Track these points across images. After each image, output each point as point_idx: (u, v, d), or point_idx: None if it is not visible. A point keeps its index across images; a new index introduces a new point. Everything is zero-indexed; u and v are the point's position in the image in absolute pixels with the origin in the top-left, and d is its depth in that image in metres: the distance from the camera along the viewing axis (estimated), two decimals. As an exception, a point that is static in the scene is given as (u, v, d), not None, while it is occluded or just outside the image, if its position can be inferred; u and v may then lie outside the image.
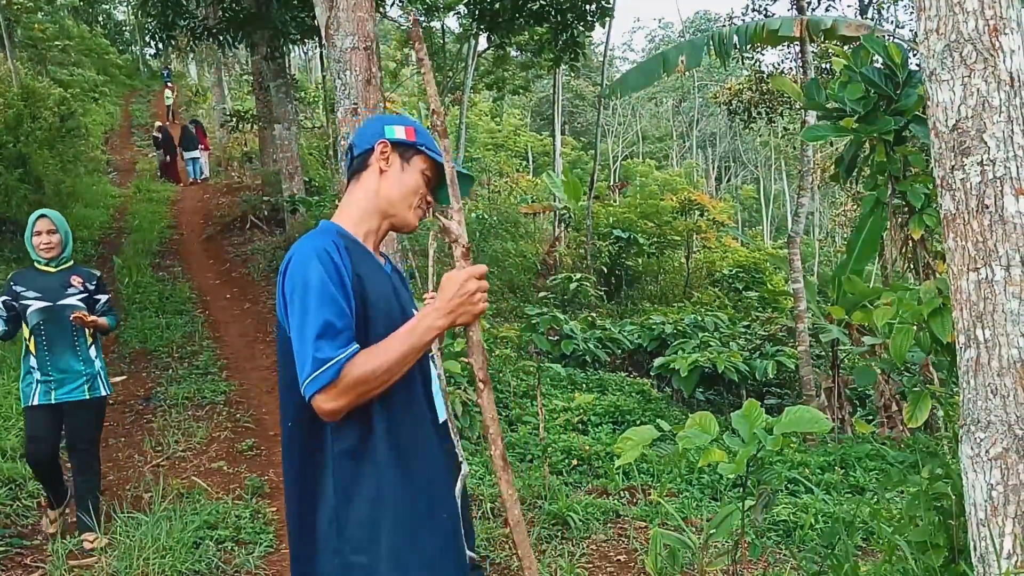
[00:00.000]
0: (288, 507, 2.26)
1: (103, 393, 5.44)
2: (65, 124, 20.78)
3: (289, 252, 2.18)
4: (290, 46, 18.61)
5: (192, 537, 5.10)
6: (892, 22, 18.65)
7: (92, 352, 5.43)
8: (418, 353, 2.09)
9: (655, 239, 22.31)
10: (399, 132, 2.32)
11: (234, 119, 20.72)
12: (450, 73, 22.06)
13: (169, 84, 33.60)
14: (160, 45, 17.59)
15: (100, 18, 42.10)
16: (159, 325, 11.30)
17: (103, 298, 5.56)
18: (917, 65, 4.30)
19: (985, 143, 2.72)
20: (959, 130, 2.76)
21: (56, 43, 33.33)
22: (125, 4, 40.45)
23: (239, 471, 6.74)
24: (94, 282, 5.53)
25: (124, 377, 9.46)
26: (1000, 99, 2.71)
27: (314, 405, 2.03)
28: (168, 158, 24.20)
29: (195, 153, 23.80)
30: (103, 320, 5.45)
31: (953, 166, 2.78)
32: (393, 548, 2.12)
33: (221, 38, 15.70)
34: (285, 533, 5.59)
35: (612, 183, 37.49)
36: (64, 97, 22.10)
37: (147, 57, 43.48)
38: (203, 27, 15.85)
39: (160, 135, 24.49)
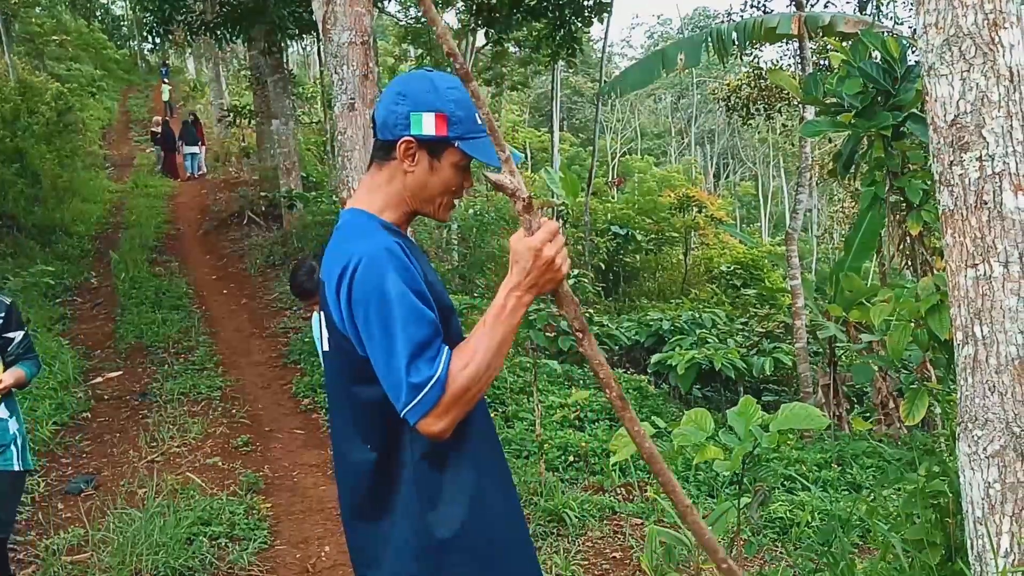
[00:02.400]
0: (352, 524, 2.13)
1: (16, 467, 4.03)
2: (62, 119, 20.80)
3: (346, 254, 1.92)
4: (288, 41, 18.56)
5: (186, 533, 5.09)
6: (891, 18, 18.61)
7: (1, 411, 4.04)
8: (512, 335, 1.90)
9: (653, 236, 22.33)
10: (428, 125, 1.98)
11: (231, 114, 20.67)
12: (448, 69, 21.97)
13: (165, 80, 33.58)
14: (158, 40, 17.58)
15: (98, 13, 41.98)
16: (155, 320, 11.26)
17: (16, 336, 4.13)
18: (916, 60, 4.29)
19: (984, 138, 2.70)
20: (958, 125, 2.73)
21: (54, 38, 33.30)
22: (123, -1, 40.40)
23: (234, 467, 6.72)
24: (2, 315, 4.10)
25: (119, 373, 9.44)
26: (999, 94, 2.68)
27: (422, 431, 1.85)
28: (165, 154, 24.16)
29: (194, 148, 23.78)
30: (13, 376, 4.05)
31: (951, 161, 2.76)
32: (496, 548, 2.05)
33: (219, 33, 15.66)
34: (280, 529, 5.61)
35: (610, 179, 37.47)
36: (61, 92, 22.13)
37: (145, 52, 43.42)
38: (201, 22, 15.81)
39: (160, 130, 24.46)
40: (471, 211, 18.07)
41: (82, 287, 13.67)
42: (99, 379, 9.23)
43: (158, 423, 7.64)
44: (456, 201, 2.13)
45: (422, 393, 1.81)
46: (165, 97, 31.22)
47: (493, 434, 2.21)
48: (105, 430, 7.71)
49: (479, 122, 2.00)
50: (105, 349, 10.43)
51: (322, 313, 2.05)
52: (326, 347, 2.09)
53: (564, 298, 1.93)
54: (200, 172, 23.90)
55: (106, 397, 8.63)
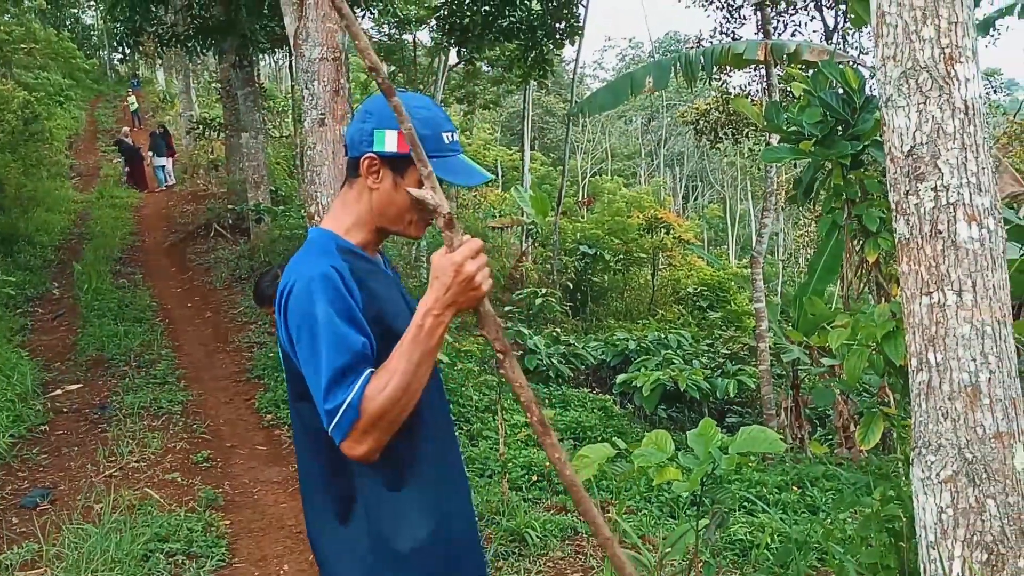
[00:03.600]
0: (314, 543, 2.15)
1: None
2: (29, 128, 20.58)
3: (286, 277, 1.97)
4: (259, 55, 18.53)
5: (142, 550, 5.03)
6: (857, 48, 18.89)
7: None
8: (433, 355, 1.90)
9: (621, 256, 22.45)
10: (391, 142, 1.99)
11: (201, 126, 20.56)
12: (421, 87, 22.03)
13: (131, 90, 33.40)
14: (128, 50, 17.46)
15: (68, 22, 41.75)
16: (117, 333, 11.15)
17: None
18: (874, 91, 4.36)
19: (939, 169, 2.75)
20: (914, 156, 2.78)
21: (22, 46, 32.94)
22: (93, 8, 40.11)
23: (193, 483, 6.65)
24: None
25: (79, 385, 9.33)
26: (954, 126, 2.74)
27: (347, 454, 1.87)
28: (128, 169, 23.93)
29: (163, 159, 23.63)
30: None
31: (908, 191, 2.81)
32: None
33: (189, 45, 15.60)
34: (238, 546, 5.56)
35: (580, 199, 37.66)
36: (28, 100, 21.88)
37: (114, 62, 43.14)
38: (171, 33, 15.75)
39: (121, 144, 24.30)
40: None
41: (44, 298, 13.51)
42: (58, 391, 9.11)
43: (117, 437, 7.55)
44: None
45: (336, 417, 1.83)
46: (133, 107, 31.02)
47: (453, 451, 2.22)
48: (63, 443, 7.60)
49: (446, 141, 2.02)
50: (65, 361, 10.31)
51: None
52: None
53: (485, 317, 1.91)
54: (169, 183, 23.75)
55: (65, 410, 8.52)
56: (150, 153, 23.88)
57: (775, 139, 9.14)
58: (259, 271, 14.35)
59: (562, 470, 1.94)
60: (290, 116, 24.22)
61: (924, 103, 2.76)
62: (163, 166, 23.65)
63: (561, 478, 1.96)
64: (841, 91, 4.16)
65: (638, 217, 25.70)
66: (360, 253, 2.07)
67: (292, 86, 22.52)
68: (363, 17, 19.88)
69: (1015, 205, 6.09)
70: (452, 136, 2.06)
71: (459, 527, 2.15)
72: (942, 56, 2.73)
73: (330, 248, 2.02)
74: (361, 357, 1.87)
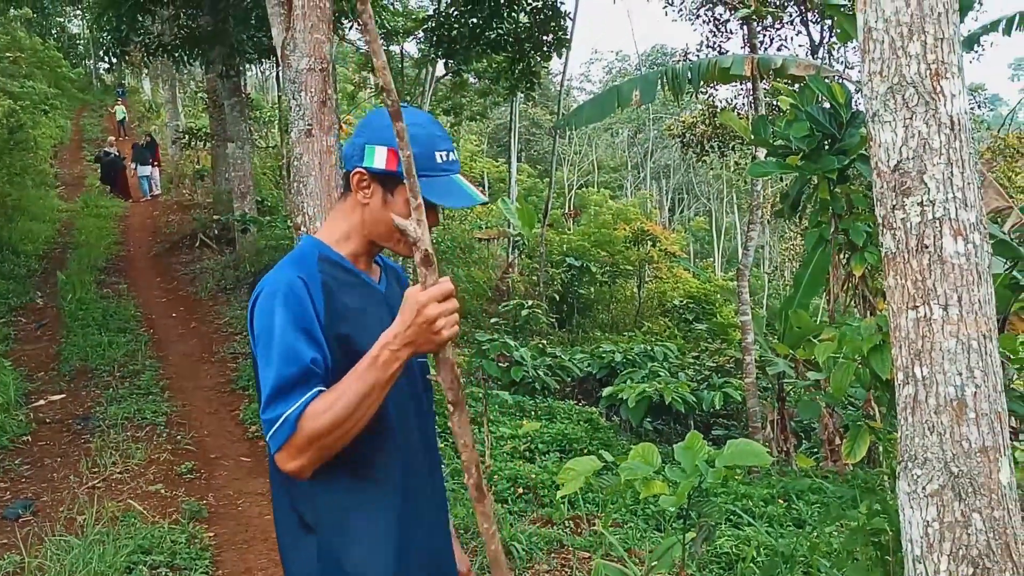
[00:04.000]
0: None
1: None
2: (13, 136, 20.51)
3: (259, 284, 1.97)
4: (246, 65, 18.51)
5: (125, 562, 4.99)
6: (842, 63, 19.01)
7: None
8: (383, 388, 1.84)
9: (608, 268, 22.49)
10: (380, 159, 1.97)
11: (187, 136, 20.53)
12: (408, 98, 22.05)
13: (119, 100, 33.31)
14: (114, 60, 17.42)
15: (54, 31, 41.56)
16: (101, 343, 11.08)
17: None
18: (861, 106, 4.38)
19: (925, 184, 2.76)
20: (900, 171, 2.80)
21: (7, 54, 32.82)
22: (79, 18, 40.01)
23: (177, 495, 6.61)
24: None
25: (62, 396, 9.26)
26: (940, 141, 2.75)
27: (279, 466, 1.85)
28: (107, 184, 23.78)
29: (147, 169, 23.54)
30: None
31: (894, 206, 2.82)
32: None
33: (176, 55, 15.59)
34: (222, 559, 5.52)
35: (567, 211, 37.70)
36: (13, 109, 21.82)
37: (100, 71, 43.01)
38: (158, 43, 15.74)
39: (112, 151, 24.19)
40: (427, 239, 18.00)
41: (27, 307, 13.42)
42: (41, 402, 9.05)
43: (100, 448, 7.50)
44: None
45: (273, 428, 1.82)
46: (120, 117, 30.93)
47: (429, 483, 2.17)
48: (46, 454, 7.55)
49: (439, 161, 2.00)
50: (48, 371, 10.24)
51: None
52: None
53: (442, 363, 1.85)
54: (154, 193, 23.67)
55: (48, 420, 8.46)
56: (132, 164, 23.80)
57: (762, 153, 9.18)
58: (244, 286, 14.33)
59: (488, 542, 1.89)
60: (276, 127, 24.20)
61: (910, 118, 2.77)
62: (147, 176, 23.56)
63: (487, 550, 1.90)
64: (828, 106, 4.18)
65: (624, 229, 25.76)
66: (344, 265, 2.05)
67: (279, 96, 22.49)
68: (350, 28, 19.91)
69: (999, 220, 6.13)
70: (447, 155, 2.03)
71: (417, 562, 2.09)
72: (928, 72, 2.75)
73: (310, 257, 2.01)
74: (309, 372, 1.85)
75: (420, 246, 1.78)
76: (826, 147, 4.15)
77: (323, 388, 1.85)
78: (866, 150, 3.24)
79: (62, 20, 42.55)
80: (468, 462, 1.86)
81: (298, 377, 1.83)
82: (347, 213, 2.07)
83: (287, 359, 1.84)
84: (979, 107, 26.32)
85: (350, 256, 2.06)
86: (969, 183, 2.77)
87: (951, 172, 2.75)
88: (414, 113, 2.03)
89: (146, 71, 34.55)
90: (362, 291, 2.05)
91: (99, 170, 24.34)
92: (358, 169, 2.00)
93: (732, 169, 34.48)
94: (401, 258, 2.24)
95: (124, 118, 31.32)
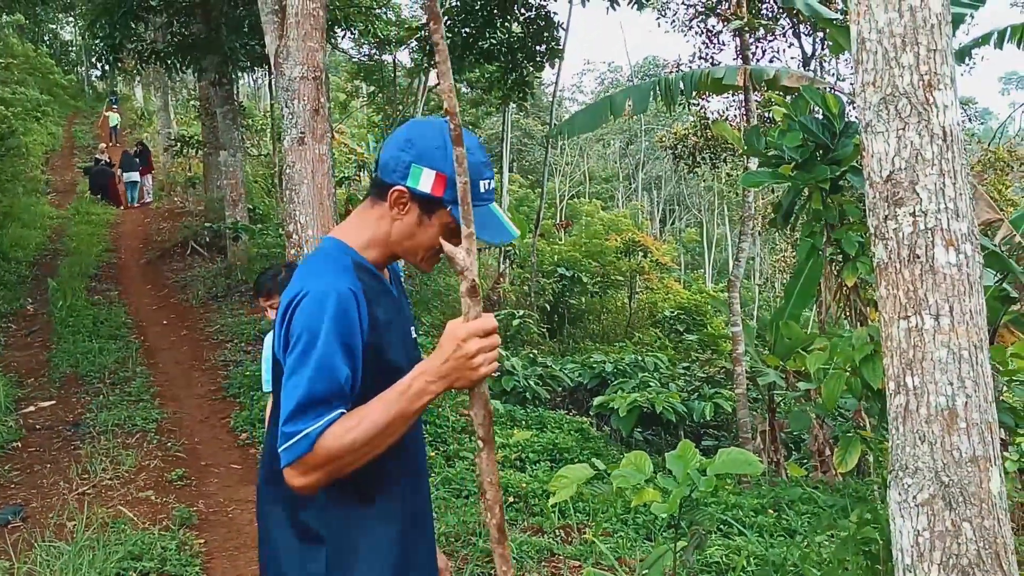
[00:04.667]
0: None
1: None
2: (5, 143, 20.48)
3: (300, 283, 1.90)
4: (239, 73, 18.52)
5: (115, 568, 4.97)
6: (834, 75, 19.11)
7: None
8: (408, 420, 1.82)
9: (599, 278, 22.52)
10: (426, 182, 1.92)
11: (179, 144, 20.52)
12: (400, 107, 22.08)
13: (112, 106, 33.25)
14: (107, 67, 17.41)
15: (46, 37, 41.53)
16: (92, 350, 11.05)
17: None
18: (854, 117, 4.41)
19: (917, 195, 2.78)
20: (893, 181, 2.82)
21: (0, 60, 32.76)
22: (72, 24, 39.96)
23: (167, 501, 6.59)
24: None
25: (52, 402, 9.23)
26: (933, 152, 2.77)
27: (285, 479, 1.81)
28: (99, 195, 23.68)
29: (135, 176, 23.50)
30: None
31: (886, 216, 2.84)
32: None
33: (169, 62, 15.58)
34: (212, 566, 5.50)
35: (558, 221, 37.71)
36: (5, 116, 21.77)
37: (93, 78, 42.95)
38: (151, 50, 15.74)
39: (103, 158, 24.15)
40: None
41: (18, 314, 13.39)
42: (31, 408, 9.02)
43: (90, 454, 7.48)
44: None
45: (289, 442, 1.78)
46: (112, 123, 30.88)
47: (420, 500, 2.16)
48: (36, 460, 7.52)
49: (481, 190, 1.96)
50: (39, 377, 10.21)
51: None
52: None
53: (477, 399, 1.81)
54: (146, 200, 23.62)
55: (38, 427, 8.43)
56: (119, 170, 23.77)
57: (754, 164, 9.22)
58: (235, 294, 14.31)
59: None
60: (269, 135, 24.20)
61: (903, 129, 2.79)
62: (134, 182, 23.52)
63: None
64: (821, 116, 4.21)
65: (616, 240, 25.81)
66: (373, 271, 2.02)
67: (271, 105, 22.53)
68: (343, 37, 19.94)
69: (990, 232, 6.17)
70: (489, 184, 2.00)
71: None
72: (921, 83, 2.77)
73: (347, 263, 1.96)
74: (339, 392, 1.81)
75: (468, 276, 1.75)
76: (819, 157, 4.17)
77: (345, 410, 1.81)
78: (859, 161, 3.26)
79: (55, 27, 42.51)
80: (493, 502, 1.81)
81: (327, 395, 1.80)
82: (374, 221, 2.02)
83: (322, 374, 1.80)
84: (970, 120, 26.47)
85: (373, 262, 2.03)
86: (961, 194, 2.79)
87: (943, 183, 2.77)
88: (464, 136, 1.95)
89: (138, 78, 34.52)
90: (387, 300, 2.03)
91: (88, 180, 24.27)
92: (399, 187, 1.94)
93: (723, 181, 34.57)
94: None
95: (117, 124, 31.26)
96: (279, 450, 1.81)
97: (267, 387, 4.65)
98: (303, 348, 1.82)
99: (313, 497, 1.92)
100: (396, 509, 2.03)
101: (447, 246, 1.80)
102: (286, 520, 2.01)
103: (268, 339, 4.58)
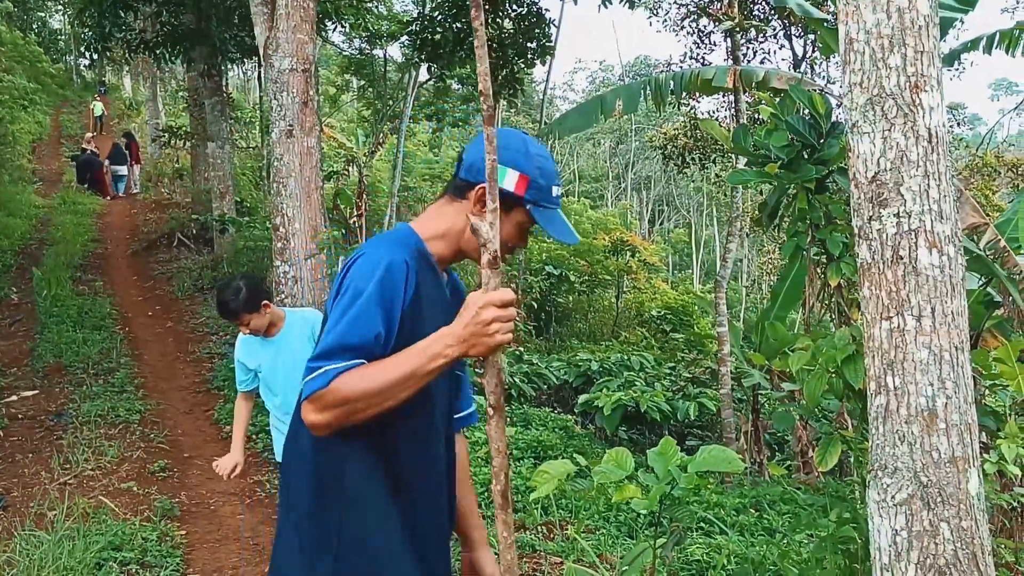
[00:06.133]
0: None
1: None
2: (-9, 131, 20.34)
3: (363, 248, 2.09)
4: (229, 64, 18.45)
5: (95, 558, 4.96)
6: (824, 77, 19.15)
7: None
8: (421, 380, 1.93)
9: (586, 277, 22.51)
10: (509, 181, 2.09)
11: (167, 135, 20.42)
12: (390, 102, 22.01)
13: (97, 95, 33.10)
14: (95, 56, 17.32)
15: (34, 25, 41.28)
16: (76, 340, 11.00)
17: None
18: (841, 117, 4.42)
19: (902, 196, 2.79)
20: (878, 182, 2.83)
21: (-13, 48, 32.56)
22: (61, 13, 39.74)
23: (149, 492, 6.57)
24: None
25: (36, 392, 9.19)
26: (918, 154, 2.78)
27: (302, 414, 1.94)
28: (85, 184, 23.57)
29: (123, 169, 23.40)
30: None
31: (870, 216, 2.85)
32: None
33: (158, 52, 15.50)
34: (193, 557, 5.49)
35: (546, 220, 37.64)
36: (-8, 104, 21.63)
37: (81, 67, 42.72)
38: (140, 40, 15.65)
39: (89, 147, 24.02)
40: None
41: (1, 303, 13.32)
42: (14, 397, 8.97)
43: (73, 445, 7.45)
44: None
45: (309, 376, 1.90)
46: (97, 113, 30.72)
47: (432, 484, 2.24)
48: (17, 450, 7.49)
49: (554, 194, 2.16)
50: (22, 367, 10.16)
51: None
52: None
53: (490, 367, 1.89)
54: (133, 191, 23.51)
55: (20, 416, 8.39)
56: (106, 161, 23.65)
57: (742, 163, 9.24)
58: (220, 282, 14.26)
59: (504, 551, 1.90)
60: (258, 127, 24.11)
61: (889, 130, 2.80)
62: (121, 176, 23.43)
63: (502, 559, 1.92)
64: (808, 116, 4.21)
65: (604, 239, 25.80)
66: (432, 263, 2.16)
67: (260, 97, 22.45)
68: (334, 30, 19.88)
69: (975, 236, 6.19)
70: (558, 191, 2.18)
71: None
72: (908, 84, 2.78)
73: (410, 242, 2.13)
74: (367, 345, 1.94)
75: (489, 247, 1.83)
76: (805, 157, 4.17)
77: (365, 362, 1.93)
78: (845, 162, 3.27)
79: (43, 15, 42.27)
80: (499, 468, 1.87)
81: (356, 346, 1.92)
82: (449, 217, 2.17)
83: (356, 327, 1.93)
84: (959, 125, 26.58)
85: (436, 256, 2.18)
86: (945, 196, 2.80)
87: (928, 184, 2.78)
88: (539, 145, 2.18)
89: (127, 68, 34.37)
90: (438, 293, 2.17)
91: (75, 169, 24.12)
92: (483, 184, 2.03)
93: (712, 182, 34.65)
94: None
95: (102, 114, 31.10)
96: (303, 383, 1.93)
97: (242, 388, 4.69)
98: (347, 302, 1.97)
99: (330, 450, 2.07)
100: (411, 498, 2.16)
101: (473, 218, 1.91)
102: (311, 477, 2.14)
103: (238, 343, 4.65)
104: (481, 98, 1.80)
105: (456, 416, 2.44)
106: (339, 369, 1.89)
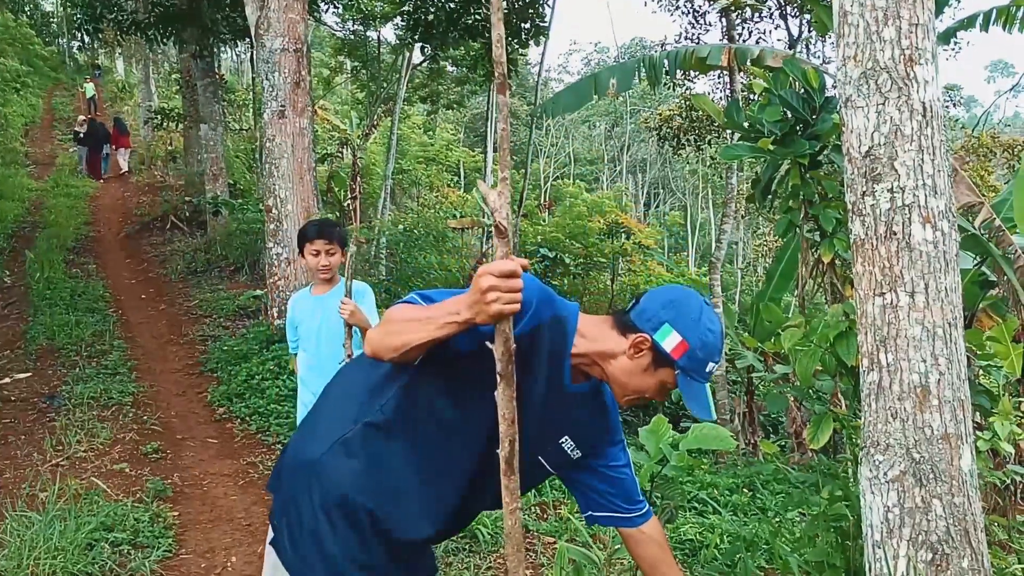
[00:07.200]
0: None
1: None
2: (-18, 113, 20.23)
3: (535, 283, 2.13)
4: (222, 47, 18.35)
5: (87, 538, 4.93)
6: (819, 57, 19.10)
7: None
8: (431, 333, 1.99)
9: (581, 260, 22.49)
10: (670, 344, 2.13)
11: (159, 117, 20.33)
12: (384, 84, 21.93)
13: (88, 78, 32.99)
14: (87, 38, 17.22)
15: (26, 8, 41.00)
16: (68, 322, 10.95)
17: None
18: (835, 92, 4.39)
19: (896, 171, 2.77)
20: (871, 157, 2.80)
21: (-21, 31, 32.40)
22: (53, -6, 39.54)
23: (142, 474, 6.55)
24: None
25: (28, 374, 9.15)
26: (912, 128, 2.76)
27: None
28: (91, 154, 23.58)
29: (105, 150, 23.43)
30: None
31: (864, 192, 2.83)
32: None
33: (150, 33, 15.43)
34: (186, 538, 5.47)
35: (542, 202, 37.68)
36: (-16, 86, 21.52)
37: (73, 50, 42.52)
38: (132, 21, 15.56)
39: (85, 129, 23.92)
40: (400, 226, 18.01)
41: (-6, 285, 13.27)
42: (6, 380, 8.93)
43: (65, 427, 7.41)
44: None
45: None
46: (88, 95, 30.60)
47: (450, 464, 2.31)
48: (9, 432, 7.45)
49: (707, 370, 2.17)
50: (15, 349, 10.11)
51: None
52: None
53: (499, 335, 1.87)
54: (123, 171, 23.46)
55: (13, 398, 8.35)
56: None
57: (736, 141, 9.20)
58: (215, 269, 14.22)
59: (507, 516, 1.91)
60: (250, 110, 24.02)
61: (883, 104, 2.78)
62: (106, 155, 23.46)
63: (505, 524, 1.93)
64: (802, 91, 4.18)
65: (599, 222, 25.76)
66: (566, 347, 2.20)
67: (253, 79, 22.33)
68: (327, 11, 19.77)
69: (970, 216, 6.17)
70: (713, 367, 2.18)
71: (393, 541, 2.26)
72: (902, 57, 2.75)
73: (568, 317, 2.21)
74: (419, 300, 2.11)
75: (497, 217, 1.81)
76: (799, 131, 4.15)
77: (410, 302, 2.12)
78: (839, 137, 3.24)
79: (35, -3, 42.04)
80: (504, 436, 1.86)
81: (426, 300, 2.10)
82: (611, 340, 2.20)
83: (446, 297, 2.05)
84: (955, 106, 26.54)
85: (575, 355, 2.21)
86: (939, 171, 2.78)
87: (922, 159, 2.76)
88: (715, 320, 2.19)
89: (119, 50, 34.19)
90: (553, 388, 2.22)
91: (84, 139, 23.93)
92: (646, 336, 2.14)
93: (708, 164, 34.60)
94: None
95: (94, 96, 30.97)
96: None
97: (293, 349, 4.74)
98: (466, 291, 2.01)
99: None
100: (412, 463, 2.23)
101: (482, 184, 1.89)
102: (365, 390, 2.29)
103: (291, 302, 4.70)
104: (495, 68, 1.77)
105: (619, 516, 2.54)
106: (398, 303, 2.11)
